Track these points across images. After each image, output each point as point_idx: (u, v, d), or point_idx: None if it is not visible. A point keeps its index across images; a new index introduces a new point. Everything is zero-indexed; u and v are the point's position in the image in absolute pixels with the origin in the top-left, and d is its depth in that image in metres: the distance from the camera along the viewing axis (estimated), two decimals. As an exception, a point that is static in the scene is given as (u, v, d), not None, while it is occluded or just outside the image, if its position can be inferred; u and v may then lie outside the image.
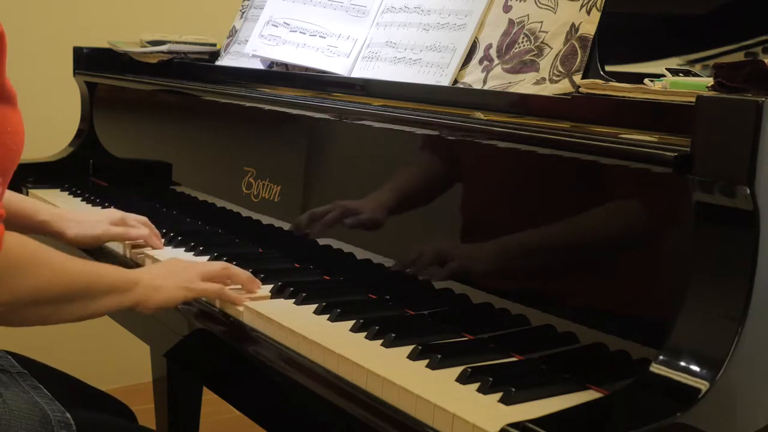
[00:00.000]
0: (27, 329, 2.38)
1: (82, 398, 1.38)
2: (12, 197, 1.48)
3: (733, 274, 0.87)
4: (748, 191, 0.85)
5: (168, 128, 1.96)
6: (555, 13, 1.25)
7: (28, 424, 1.12)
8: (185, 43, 2.06)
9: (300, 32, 1.68)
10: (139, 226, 1.54)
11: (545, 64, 1.23)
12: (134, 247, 1.52)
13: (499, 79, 1.29)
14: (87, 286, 1.14)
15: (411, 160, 1.31)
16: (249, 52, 1.78)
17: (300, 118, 1.50)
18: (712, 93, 0.94)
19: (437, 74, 1.38)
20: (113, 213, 1.56)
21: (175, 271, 1.27)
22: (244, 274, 1.29)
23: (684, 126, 0.92)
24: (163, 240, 1.56)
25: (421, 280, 1.24)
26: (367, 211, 1.34)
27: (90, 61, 2.20)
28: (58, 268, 1.11)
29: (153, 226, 1.57)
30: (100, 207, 1.86)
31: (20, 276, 1.06)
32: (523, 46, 1.27)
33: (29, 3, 2.68)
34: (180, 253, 1.50)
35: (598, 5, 1.19)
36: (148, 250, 1.51)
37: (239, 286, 1.29)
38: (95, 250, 1.55)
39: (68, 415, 1.16)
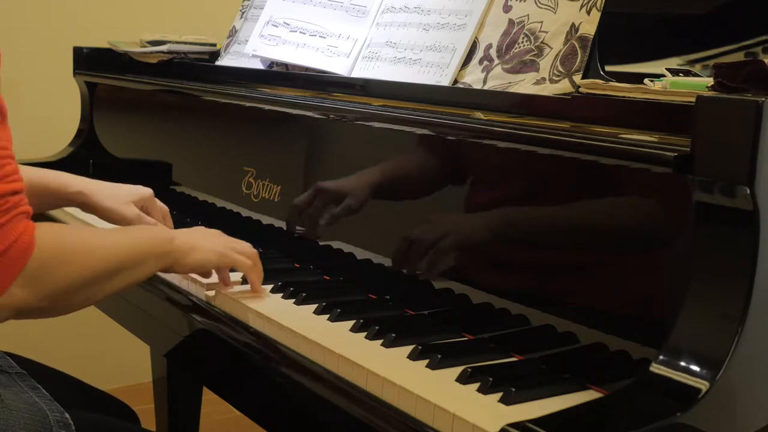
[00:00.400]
0: (26, 329, 2.38)
1: (83, 398, 1.38)
2: (35, 172, 1.46)
3: (733, 274, 0.87)
4: (748, 191, 0.85)
5: (168, 128, 1.96)
6: (555, 13, 1.25)
7: (27, 424, 1.12)
8: (185, 43, 2.06)
9: (300, 32, 1.68)
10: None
11: (545, 64, 1.23)
12: None
13: (499, 79, 1.29)
14: (125, 258, 1.13)
15: (411, 161, 1.31)
16: (249, 52, 1.78)
17: (300, 118, 1.50)
18: (712, 93, 0.94)
19: (437, 74, 1.38)
20: (140, 193, 1.51)
21: (210, 235, 1.27)
22: (261, 273, 1.29)
23: (684, 126, 0.92)
24: None
25: (421, 280, 1.24)
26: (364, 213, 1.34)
27: (90, 61, 2.20)
28: (94, 248, 1.10)
29: (169, 217, 1.55)
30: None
31: (60, 268, 1.05)
32: (523, 46, 1.27)
33: (29, 3, 2.68)
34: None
35: (598, 5, 1.19)
36: None
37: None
38: None
39: (67, 415, 1.16)
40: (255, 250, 1.30)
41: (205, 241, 1.25)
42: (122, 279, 1.13)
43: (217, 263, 1.25)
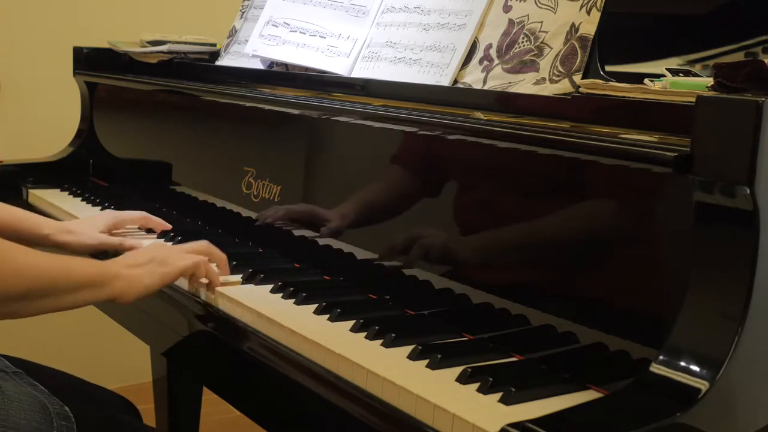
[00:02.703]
0: (25, 330, 2.38)
1: (82, 395, 1.38)
2: (16, 212, 1.54)
3: (733, 274, 0.87)
4: (748, 191, 0.85)
5: (168, 128, 1.96)
6: (555, 13, 1.25)
7: (27, 414, 1.12)
8: (185, 43, 2.06)
9: (300, 32, 1.68)
10: (132, 232, 1.58)
11: (545, 64, 1.23)
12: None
13: (499, 79, 1.29)
14: (55, 282, 1.15)
15: (411, 161, 1.31)
16: (249, 52, 1.78)
17: (300, 118, 1.50)
18: (712, 93, 0.94)
19: (437, 74, 1.38)
20: (107, 217, 1.59)
21: (152, 255, 1.28)
22: (222, 255, 1.34)
23: (684, 126, 0.92)
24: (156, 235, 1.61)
25: (421, 280, 1.24)
26: (367, 215, 1.34)
27: (90, 61, 2.20)
28: (20, 266, 1.11)
29: (151, 216, 1.62)
30: (100, 207, 1.86)
31: None
32: (523, 46, 1.27)
33: (29, 3, 2.68)
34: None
35: (598, 5, 1.19)
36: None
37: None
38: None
39: (66, 408, 1.17)
40: (207, 243, 1.33)
41: (145, 267, 1.25)
42: (52, 302, 1.15)
43: (161, 284, 1.26)
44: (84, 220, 1.62)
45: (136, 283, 1.23)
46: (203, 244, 1.34)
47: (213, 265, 1.33)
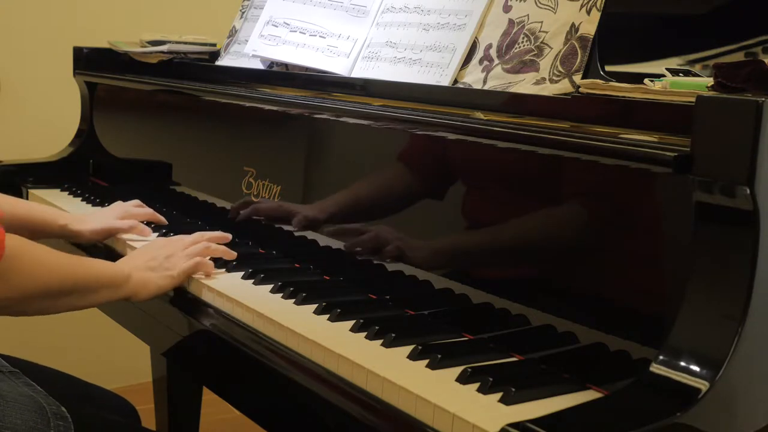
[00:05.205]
0: (23, 330, 2.38)
1: (79, 395, 1.38)
2: (33, 207, 1.62)
3: (733, 274, 0.87)
4: (748, 191, 0.85)
5: (168, 128, 1.96)
6: (555, 13, 1.25)
7: (24, 414, 1.12)
8: (185, 43, 2.06)
9: (300, 32, 1.68)
10: (140, 217, 1.64)
11: (545, 64, 1.23)
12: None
13: (499, 79, 1.29)
14: (81, 282, 1.24)
15: (411, 161, 1.31)
16: (249, 52, 1.78)
17: (300, 118, 1.50)
18: (712, 93, 0.94)
19: (437, 74, 1.38)
20: (117, 210, 1.65)
21: (159, 258, 1.36)
22: (224, 235, 1.45)
23: (684, 126, 0.92)
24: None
25: (421, 280, 1.24)
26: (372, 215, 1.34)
27: (90, 61, 2.20)
28: (54, 266, 1.20)
29: (156, 214, 1.67)
30: (100, 207, 1.86)
31: (23, 275, 1.14)
32: (523, 46, 1.27)
33: (29, 3, 2.68)
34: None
35: (598, 5, 1.19)
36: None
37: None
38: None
39: (64, 408, 1.17)
40: (205, 245, 1.39)
41: (155, 271, 1.34)
42: (76, 299, 1.24)
43: (171, 286, 1.35)
44: (97, 212, 1.68)
45: (150, 285, 1.32)
46: (199, 242, 1.40)
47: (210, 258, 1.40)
